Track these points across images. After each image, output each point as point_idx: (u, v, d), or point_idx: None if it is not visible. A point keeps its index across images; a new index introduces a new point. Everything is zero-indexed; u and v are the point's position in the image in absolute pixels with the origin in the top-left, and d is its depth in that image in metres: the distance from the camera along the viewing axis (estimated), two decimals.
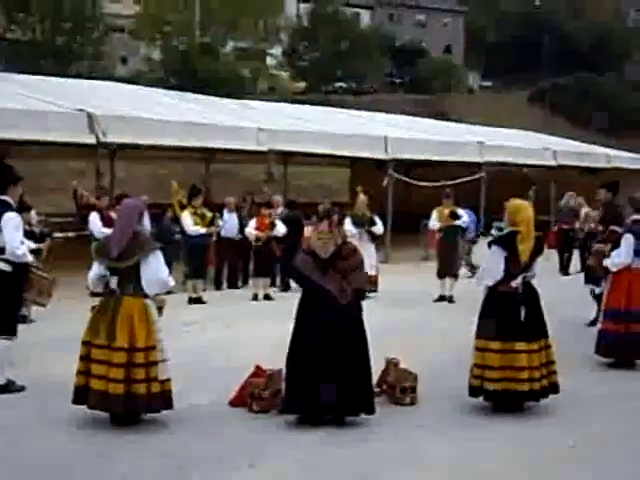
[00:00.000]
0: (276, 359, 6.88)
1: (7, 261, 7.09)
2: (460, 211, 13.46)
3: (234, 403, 7.00)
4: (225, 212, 14.12)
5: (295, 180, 24.23)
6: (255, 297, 13.17)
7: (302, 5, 57.26)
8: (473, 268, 14.49)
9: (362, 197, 13.69)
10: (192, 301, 12.67)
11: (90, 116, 13.76)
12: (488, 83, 61.67)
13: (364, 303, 6.86)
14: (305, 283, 6.71)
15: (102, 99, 16.66)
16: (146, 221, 6.69)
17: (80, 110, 14.00)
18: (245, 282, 14.52)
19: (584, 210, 15.20)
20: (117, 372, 6.19)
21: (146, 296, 6.42)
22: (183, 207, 13.36)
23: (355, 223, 13.10)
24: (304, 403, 6.47)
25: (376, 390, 7.11)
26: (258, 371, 7.13)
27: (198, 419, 6.63)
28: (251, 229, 13.31)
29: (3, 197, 7.17)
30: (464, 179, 19.67)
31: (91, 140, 13.69)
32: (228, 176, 23.26)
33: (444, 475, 5.63)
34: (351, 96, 47.32)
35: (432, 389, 7.40)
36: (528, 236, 6.89)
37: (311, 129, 18.60)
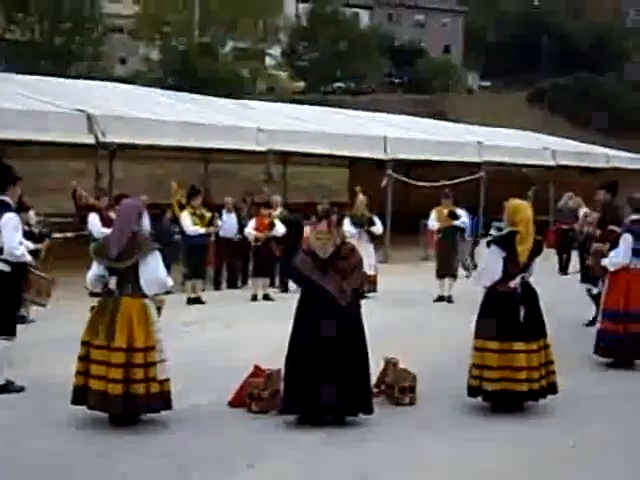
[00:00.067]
0: (275, 359, 6.88)
1: (6, 261, 7.08)
2: (459, 211, 13.46)
3: (233, 403, 7.00)
4: (224, 212, 14.12)
5: (294, 180, 24.26)
6: (254, 297, 13.17)
7: (301, 5, 57.26)
8: (468, 269, 14.51)
9: (361, 197, 13.69)
10: (191, 301, 12.67)
11: (89, 116, 13.77)
12: (487, 83, 61.68)
13: (363, 303, 6.87)
14: (305, 283, 6.70)
15: (101, 99, 16.67)
16: (145, 221, 6.67)
17: (79, 110, 14.01)
18: (244, 282, 14.52)
19: (582, 210, 15.20)
20: (116, 372, 6.19)
21: (145, 296, 6.42)
22: (182, 207, 13.36)
23: (354, 223, 13.10)
24: (304, 403, 6.46)
25: (375, 390, 7.12)
26: (257, 371, 7.13)
27: (198, 419, 6.63)
28: (250, 229, 13.30)
29: (2, 197, 7.17)
30: (463, 179, 19.68)
31: (90, 140, 13.70)
32: (227, 176, 23.27)
33: (444, 475, 5.63)
34: (350, 96, 47.30)
35: (431, 389, 7.40)
36: (527, 236, 6.89)
37: (310, 129, 18.60)
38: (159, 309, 6.61)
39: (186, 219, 12.92)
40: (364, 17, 61.34)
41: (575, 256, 15.63)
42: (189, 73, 40.40)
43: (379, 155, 18.74)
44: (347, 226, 12.48)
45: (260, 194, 15.48)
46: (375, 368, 7.06)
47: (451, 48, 65.34)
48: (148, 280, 6.38)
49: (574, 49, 58.34)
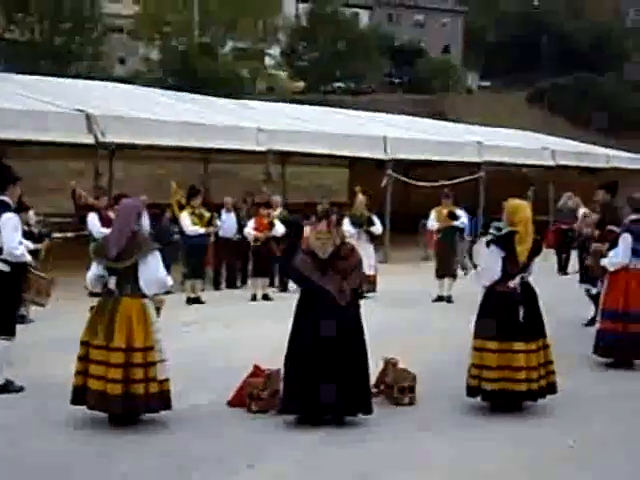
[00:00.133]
0: (275, 359, 6.88)
1: (5, 261, 7.09)
2: (459, 211, 13.46)
3: (232, 403, 7.00)
4: (223, 212, 14.12)
5: (294, 180, 24.26)
6: (254, 297, 13.17)
7: (301, 5, 57.24)
8: (466, 268, 14.52)
9: (361, 197, 13.69)
10: (191, 301, 12.67)
11: (89, 116, 13.77)
12: (487, 83, 61.68)
13: (363, 303, 6.87)
14: (304, 283, 6.71)
15: (101, 99, 16.67)
16: (145, 221, 6.67)
17: (79, 110, 14.01)
18: (244, 282, 14.52)
19: (582, 210, 15.20)
20: (115, 372, 6.19)
21: (144, 296, 6.42)
22: (182, 207, 13.36)
23: (354, 223, 13.10)
24: (303, 403, 6.47)
25: (374, 390, 7.12)
26: (256, 371, 7.13)
27: (198, 419, 6.63)
28: (250, 229, 13.31)
29: (2, 197, 7.18)
30: (463, 179, 19.69)
31: (89, 140, 13.70)
32: (227, 176, 23.27)
33: (444, 475, 5.63)
34: (350, 96, 47.31)
35: (431, 389, 7.40)
36: (526, 236, 6.89)
37: (310, 129, 18.60)
38: (158, 309, 6.61)
39: (185, 219, 12.93)
40: (364, 17, 61.33)
41: (574, 256, 15.65)
42: (189, 73, 40.41)
43: (379, 155, 18.74)
44: (346, 226, 12.46)
45: (260, 194, 15.48)
46: (375, 368, 7.07)
47: (451, 48, 65.34)
48: (148, 280, 6.38)
49: (574, 49, 58.35)
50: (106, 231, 9.06)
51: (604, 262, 8.77)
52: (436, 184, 17.82)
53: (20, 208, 8.42)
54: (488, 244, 6.99)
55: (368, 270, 11.73)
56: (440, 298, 13.11)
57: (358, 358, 6.55)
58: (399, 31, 60.23)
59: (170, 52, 45.72)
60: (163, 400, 6.37)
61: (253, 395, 6.86)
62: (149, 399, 6.28)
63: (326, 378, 6.39)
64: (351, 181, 24.38)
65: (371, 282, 12.95)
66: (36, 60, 39.72)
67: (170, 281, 6.72)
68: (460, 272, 14.34)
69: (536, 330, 6.92)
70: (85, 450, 5.90)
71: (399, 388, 7.19)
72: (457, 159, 20.53)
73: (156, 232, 12.22)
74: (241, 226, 13.87)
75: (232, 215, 14.23)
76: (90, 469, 5.58)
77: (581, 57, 57.16)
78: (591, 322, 10.14)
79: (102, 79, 26.93)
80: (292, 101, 33.54)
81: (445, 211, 13.27)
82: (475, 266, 7.44)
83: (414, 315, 11.70)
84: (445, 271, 13.16)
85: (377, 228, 13.53)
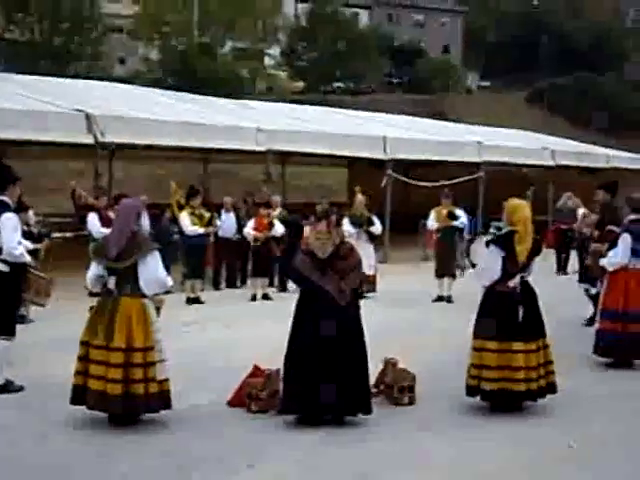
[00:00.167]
0: (275, 359, 6.88)
1: (5, 261, 7.09)
2: (458, 211, 13.46)
3: (232, 403, 7.00)
4: (223, 212, 14.12)
5: (294, 180, 24.26)
6: (253, 297, 13.17)
7: (300, 5, 57.25)
8: (463, 268, 14.50)
9: (360, 197, 13.69)
10: (190, 301, 12.67)
11: (88, 116, 13.76)
12: (487, 83, 61.71)
13: (363, 303, 6.87)
14: (304, 283, 6.70)
15: (100, 99, 16.66)
16: (145, 221, 6.67)
17: (78, 110, 14.00)
18: (243, 282, 14.52)
19: (581, 210, 15.21)
20: (115, 372, 6.19)
21: (144, 296, 6.42)
22: (181, 207, 13.36)
23: (353, 223, 13.10)
24: (303, 403, 6.46)
25: (374, 390, 7.12)
26: (256, 371, 7.13)
27: (198, 419, 6.63)
28: (249, 229, 13.31)
29: (1, 197, 7.18)
30: (463, 179, 19.68)
31: (89, 140, 13.70)
32: (227, 176, 23.28)
33: (444, 475, 5.63)
34: (349, 96, 47.34)
35: (431, 389, 7.40)
36: (525, 236, 6.89)
37: (310, 129, 18.60)
38: (158, 309, 6.61)
39: (185, 219, 12.93)
40: (363, 17, 61.35)
41: (574, 256, 15.66)
42: (188, 73, 40.42)
43: (379, 155, 18.73)
44: (346, 226, 12.46)
45: (260, 194, 15.47)
46: (374, 368, 7.06)
47: (450, 48, 65.36)
48: (148, 280, 6.38)
49: (574, 49, 58.38)
50: (106, 231, 9.06)
51: (603, 262, 8.77)
52: (436, 184, 17.82)
53: (20, 208, 8.42)
54: (488, 244, 6.99)
55: (368, 270, 11.73)
56: (440, 298, 13.11)
57: (358, 358, 6.55)
58: (399, 31, 60.25)
59: (170, 52, 45.73)
60: (163, 400, 6.37)
61: (253, 395, 6.86)
62: (149, 399, 6.28)
63: (326, 378, 6.39)
64: (351, 181, 24.38)
65: (371, 282, 12.95)
66: (36, 60, 39.73)
67: (170, 281, 6.72)
68: (458, 272, 14.33)
69: (536, 330, 6.92)
70: (85, 450, 5.90)
71: (399, 388, 7.19)
72: (457, 159, 20.53)
73: (156, 232, 12.29)
74: (241, 226, 13.87)
75: (232, 215, 14.23)
76: (90, 469, 5.58)
77: (581, 57, 57.19)
78: (590, 322, 10.14)
79: (102, 79, 26.93)
80: (292, 101, 33.54)
81: (445, 211, 13.26)
82: (473, 265, 7.41)
83: (414, 315, 11.70)
84: (445, 271, 13.16)
85: (377, 228, 13.53)
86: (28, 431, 6.27)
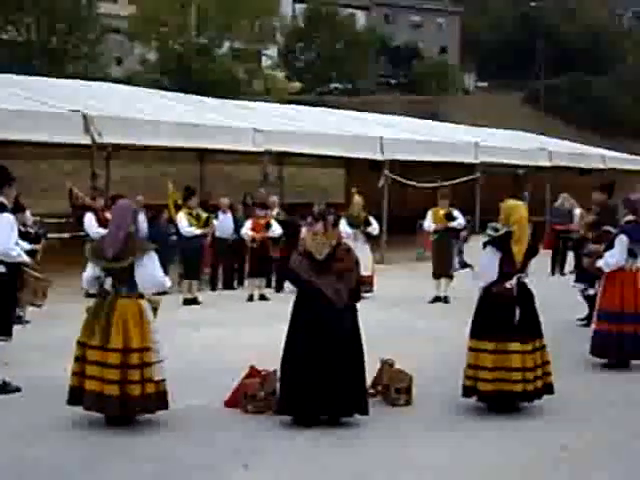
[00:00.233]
0: (272, 360, 6.88)
1: (1, 262, 7.08)
2: (455, 212, 13.47)
3: (228, 404, 7.00)
4: (220, 213, 14.11)
5: (290, 181, 24.23)
6: (250, 298, 13.17)
7: (297, 6, 57.28)
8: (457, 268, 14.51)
9: (357, 198, 13.69)
10: (187, 302, 12.66)
11: (85, 117, 13.74)
12: (483, 84, 61.82)
13: (359, 304, 6.87)
14: (301, 284, 6.70)
15: (97, 100, 16.64)
16: (142, 222, 6.67)
17: (75, 111, 13.98)
18: (240, 283, 14.51)
19: (577, 211, 15.24)
20: (112, 373, 6.19)
21: (141, 297, 6.42)
22: (178, 208, 13.36)
23: (350, 224, 13.10)
24: (299, 404, 6.47)
25: (371, 391, 7.12)
26: (253, 372, 7.13)
27: (194, 420, 6.63)
28: (247, 230, 13.31)
29: None
30: (459, 180, 19.69)
31: (86, 141, 13.68)
32: (224, 177, 23.23)
33: (440, 475, 5.64)
34: (346, 97, 47.39)
35: (428, 390, 7.41)
36: (522, 237, 6.90)
37: (306, 130, 18.59)
38: (155, 310, 6.60)
39: (182, 220, 12.91)
40: (360, 18, 61.37)
41: (571, 256, 15.67)
42: (185, 74, 40.43)
43: (375, 156, 18.73)
44: (343, 227, 12.46)
45: (259, 194, 15.47)
46: (371, 369, 7.07)
47: (447, 49, 65.42)
48: (144, 281, 6.38)
49: (569, 50, 58.46)
50: (103, 232, 9.06)
51: (600, 263, 8.78)
52: (433, 185, 17.83)
53: (16, 209, 8.42)
54: (485, 245, 7.00)
55: (364, 271, 11.71)
56: (437, 299, 13.12)
57: (354, 359, 6.55)
58: (396, 32, 60.31)
59: (167, 53, 45.71)
60: (160, 400, 6.36)
61: (249, 396, 6.86)
62: (146, 400, 6.28)
63: (323, 379, 6.39)
64: (348, 182, 24.37)
65: (368, 283, 12.94)
66: (32, 60, 39.66)
67: (168, 282, 6.71)
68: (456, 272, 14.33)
69: (532, 331, 6.93)
70: (81, 451, 5.89)
71: (395, 389, 7.20)
72: (453, 160, 20.54)
73: (153, 233, 12.31)
74: (238, 227, 13.87)
75: (229, 216, 14.22)
76: (86, 470, 5.57)
77: (577, 58, 57.29)
78: (587, 323, 10.15)
79: (99, 80, 26.88)
80: (289, 102, 33.58)
81: (442, 212, 13.28)
82: (466, 264, 7.43)
83: (411, 316, 11.71)
84: (442, 271, 13.17)
85: (374, 229, 13.54)
86: (26, 431, 6.26)
